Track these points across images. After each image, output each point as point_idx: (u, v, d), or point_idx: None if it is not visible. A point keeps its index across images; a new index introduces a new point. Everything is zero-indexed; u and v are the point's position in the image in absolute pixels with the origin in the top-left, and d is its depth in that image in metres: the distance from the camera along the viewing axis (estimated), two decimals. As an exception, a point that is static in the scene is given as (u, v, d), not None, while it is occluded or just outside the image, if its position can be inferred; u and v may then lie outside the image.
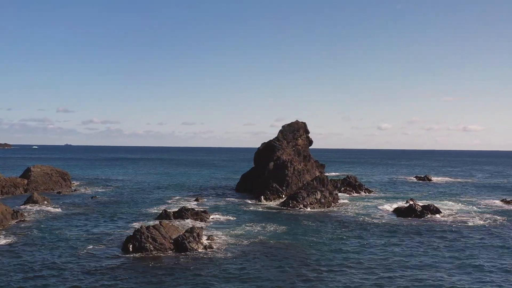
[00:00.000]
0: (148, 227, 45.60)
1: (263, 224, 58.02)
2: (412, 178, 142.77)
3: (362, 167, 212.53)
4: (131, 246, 43.56)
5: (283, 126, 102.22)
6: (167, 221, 53.41)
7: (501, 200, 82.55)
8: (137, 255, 41.90)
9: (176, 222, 56.35)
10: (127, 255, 41.78)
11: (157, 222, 51.64)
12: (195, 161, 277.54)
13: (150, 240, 43.95)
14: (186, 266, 38.33)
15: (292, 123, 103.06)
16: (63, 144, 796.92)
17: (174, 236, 46.07)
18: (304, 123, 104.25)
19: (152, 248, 43.26)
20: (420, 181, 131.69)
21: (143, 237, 44.00)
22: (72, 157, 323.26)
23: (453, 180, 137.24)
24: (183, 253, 42.56)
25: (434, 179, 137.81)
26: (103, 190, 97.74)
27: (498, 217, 64.40)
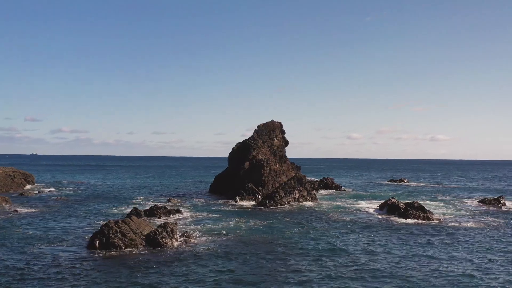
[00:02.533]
0: (117, 221, 41.76)
1: (240, 221, 54.85)
2: (386, 181, 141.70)
3: (336, 173, 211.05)
4: (97, 242, 39.64)
5: (258, 126, 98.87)
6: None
7: (478, 201, 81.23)
8: (104, 252, 38.03)
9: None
10: (93, 252, 37.87)
11: (127, 218, 47.75)
12: (167, 167, 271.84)
13: (119, 236, 40.15)
14: (159, 262, 34.72)
15: (267, 122, 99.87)
16: (28, 154, 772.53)
17: (146, 232, 42.39)
18: (280, 123, 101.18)
19: (121, 244, 39.41)
20: (395, 183, 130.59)
21: (111, 232, 40.16)
22: (40, 164, 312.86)
23: (427, 184, 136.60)
24: (155, 250, 38.95)
25: (408, 182, 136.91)
26: (70, 192, 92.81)
27: (479, 215, 63.24)
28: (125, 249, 38.80)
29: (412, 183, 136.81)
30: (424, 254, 38.23)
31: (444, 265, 34.53)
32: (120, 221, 41.91)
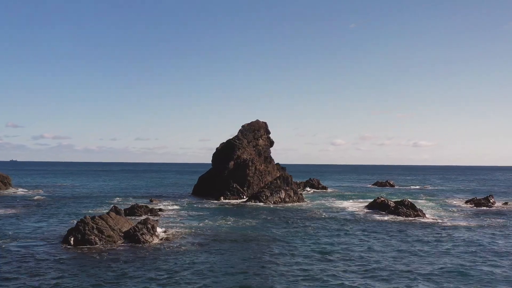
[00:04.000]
0: (93, 217, 39.17)
1: (224, 218, 52.59)
2: (372, 184, 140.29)
3: (321, 177, 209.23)
4: (72, 239, 37.05)
5: (243, 126, 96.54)
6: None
7: (467, 200, 79.93)
8: (79, 248, 35.38)
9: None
10: (67, 249, 35.21)
11: (105, 215, 44.94)
12: (150, 171, 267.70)
13: (96, 232, 37.57)
14: (137, 259, 32.15)
15: (252, 122, 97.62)
16: (8, 160, 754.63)
17: (125, 229, 39.85)
18: (265, 123, 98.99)
19: (97, 241, 36.85)
20: (382, 187, 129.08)
21: (87, 228, 37.57)
22: (19, 168, 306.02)
23: (414, 186, 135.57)
24: (135, 246, 36.40)
25: (395, 185, 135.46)
26: (48, 194, 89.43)
27: (470, 213, 61.99)
28: (102, 247, 36.23)
29: (399, 186, 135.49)
30: (417, 251, 36.34)
31: (438, 262, 32.66)
32: (97, 217, 39.31)
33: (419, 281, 26.92)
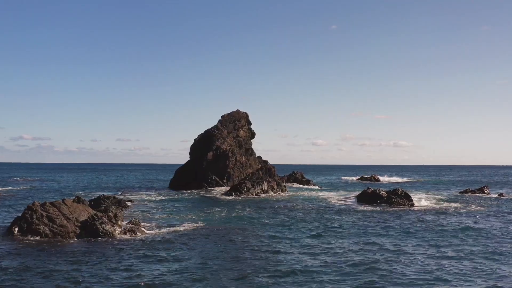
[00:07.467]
0: (43, 204, 33.29)
1: (201, 211, 47.02)
2: (357, 178, 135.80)
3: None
4: (17, 229, 31.24)
5: (222, 116, 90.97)
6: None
7: (461, 191, 75.86)
8: (24, 240, 29.59)
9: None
10: (9, 242, 29.36)
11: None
12: (127, 170, 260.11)
13: (46, 221, 31.74)
14: (94, 252, 26.52)
15: (232, 112, 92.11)
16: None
17: (82, 218, 34.05)
18: (246, 113, 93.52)
19: (47, 232, 31.04)
20: (368, 181, 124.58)
21: (35, 216, 31.74)
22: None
23: (401, 179, 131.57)
24: (92, 239, 30.67)
25: (381, 179, 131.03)
26: (15, 188, 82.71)
27: (469, 203, 57.25)
28: (52, 238, 30.49)
29: (385, 178, 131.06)
30: (419, 236, 31.43)
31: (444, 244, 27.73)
32: (47, 204, 33.41)
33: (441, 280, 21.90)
